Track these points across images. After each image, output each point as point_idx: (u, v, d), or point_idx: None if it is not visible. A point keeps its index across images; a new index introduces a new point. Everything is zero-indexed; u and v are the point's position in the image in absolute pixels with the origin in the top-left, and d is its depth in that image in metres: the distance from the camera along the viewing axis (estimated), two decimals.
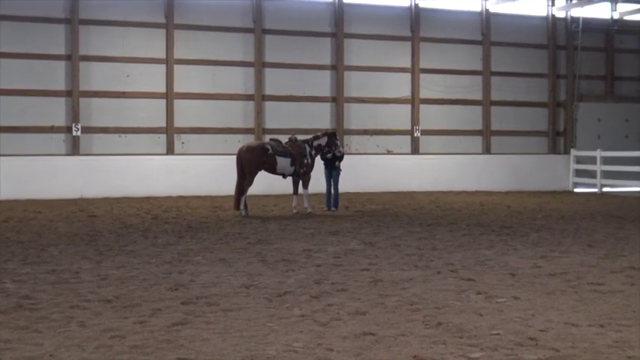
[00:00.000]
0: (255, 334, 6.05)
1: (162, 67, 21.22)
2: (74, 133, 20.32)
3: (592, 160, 24.50)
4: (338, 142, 16.75)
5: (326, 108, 22.91)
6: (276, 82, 22.32)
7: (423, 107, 23.85)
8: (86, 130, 20.47)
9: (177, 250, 10.63)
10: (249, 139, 20.93)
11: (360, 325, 6.33)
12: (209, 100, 21.78)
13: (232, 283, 8.18)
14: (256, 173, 15.80)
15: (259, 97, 22.07)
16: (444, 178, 23.51)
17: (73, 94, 20.31)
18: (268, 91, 22.26)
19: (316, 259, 9.81)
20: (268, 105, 22.28)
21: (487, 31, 24.57)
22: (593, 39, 25.97)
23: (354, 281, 8.28)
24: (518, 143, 25.10)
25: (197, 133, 21.59)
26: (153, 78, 21.16)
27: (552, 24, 25.44)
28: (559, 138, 25.80)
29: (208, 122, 21.72)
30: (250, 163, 15.60)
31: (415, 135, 23.73)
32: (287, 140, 16.30)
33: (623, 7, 26.05)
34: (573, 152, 25.23)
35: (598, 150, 24.17)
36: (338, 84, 22.86)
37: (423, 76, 23.83)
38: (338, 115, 22.85)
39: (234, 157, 15.98)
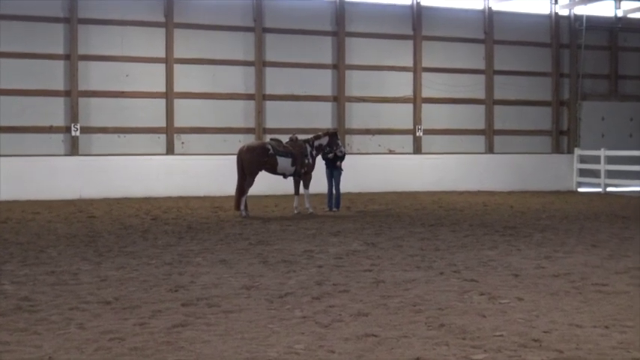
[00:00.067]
0: (257, 335, 6.02)
1: (162, 67, 21.14)
2: (73, 133, 20.24)
3: (596, 160, 24.35)
4: (339, 142, 16.68)
5: (327, 107, 22.83)
6: (276, 81, 22.25)
7: (425, 106, 23.77)
8: (85, 130, 20.38)
9: (177, 251, 10.59)
10: (249, 139, 20.85)
11: (362, 326, 6.30)
12: (209, 99, 21.70)
13: (233, 284, 8.14)
14: (257, 173, 15.74)
15: (260, 97, 21.99)
16: (446, 178, 23.43)
17: (71, 93, 20.23)
18: (269, 90, 22.19)
19: (318, 260, 9.77)
20: (269, 104, 22.21)
21: (490, 29, 24.48)
22: (596, 37, 25.88)
23: (355, 282, 8.24)
24: (521, 143, 24.99)
25: (197, 132, 21.51)
26: (152, 77, 21.08)
27: (555, 22, 25.33)
28: (562, 137, 25.70)
29: (208, 122, 21.64)
30: (251, 163, 15.53)
31: (417, 134, 23.65)
32: (288, 140, 16.23)
33: (627, 5, 25.99)
34: (577, 151, 25.10)
35: (602, 149, 24.05)
36: (339, 83, 22.79)
37: (425, 75, 23.75)
38: (339, 115, 22.77)
39: (235, 157, 15.93)
